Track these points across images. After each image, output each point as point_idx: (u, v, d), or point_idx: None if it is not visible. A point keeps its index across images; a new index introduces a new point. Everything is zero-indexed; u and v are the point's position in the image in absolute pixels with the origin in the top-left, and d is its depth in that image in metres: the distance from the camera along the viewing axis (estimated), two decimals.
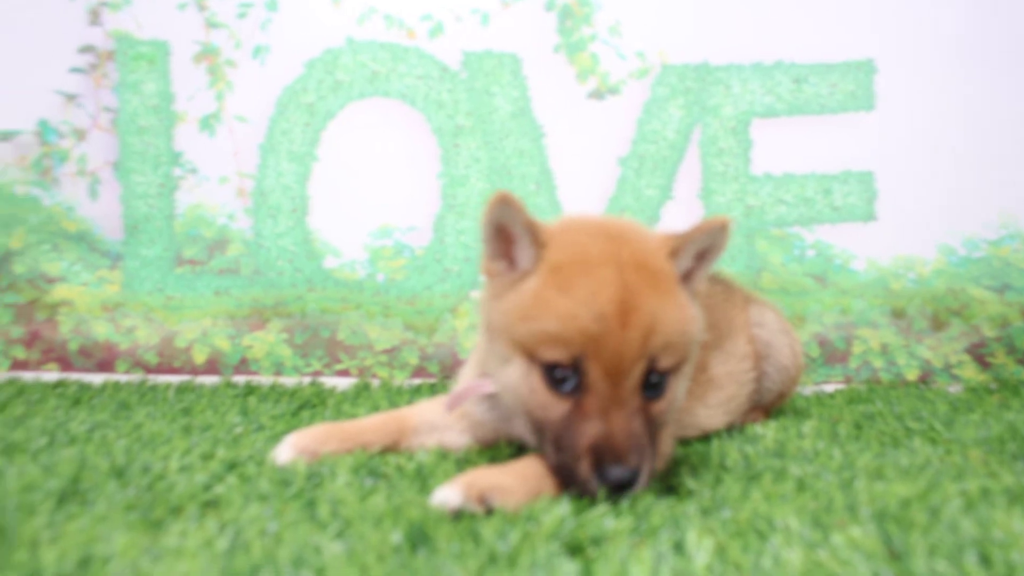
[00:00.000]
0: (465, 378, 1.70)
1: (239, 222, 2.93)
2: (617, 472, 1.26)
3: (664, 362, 1.35)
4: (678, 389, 1.42)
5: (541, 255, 1.39)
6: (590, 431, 1.29)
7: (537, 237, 1.39)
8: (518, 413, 1.46)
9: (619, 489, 1.26)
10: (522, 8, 2.92)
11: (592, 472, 1.27)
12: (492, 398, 1.64)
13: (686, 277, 1.46)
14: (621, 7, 2.92)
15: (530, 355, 1.36)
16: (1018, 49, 2.87)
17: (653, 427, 1.35)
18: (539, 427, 1.38)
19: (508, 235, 1.42)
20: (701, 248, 1.44)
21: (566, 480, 1.31)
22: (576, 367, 1.32)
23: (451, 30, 2.93)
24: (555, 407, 1.34)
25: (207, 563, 1.00)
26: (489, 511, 1.19)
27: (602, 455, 1.27)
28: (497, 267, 1.46)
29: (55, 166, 2.92)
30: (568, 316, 1.31)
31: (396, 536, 1.07)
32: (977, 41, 2.88)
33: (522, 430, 1.55)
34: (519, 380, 1.38)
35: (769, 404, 2.17)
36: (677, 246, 1.42)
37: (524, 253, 1.41)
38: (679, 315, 1.37)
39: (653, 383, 1.35)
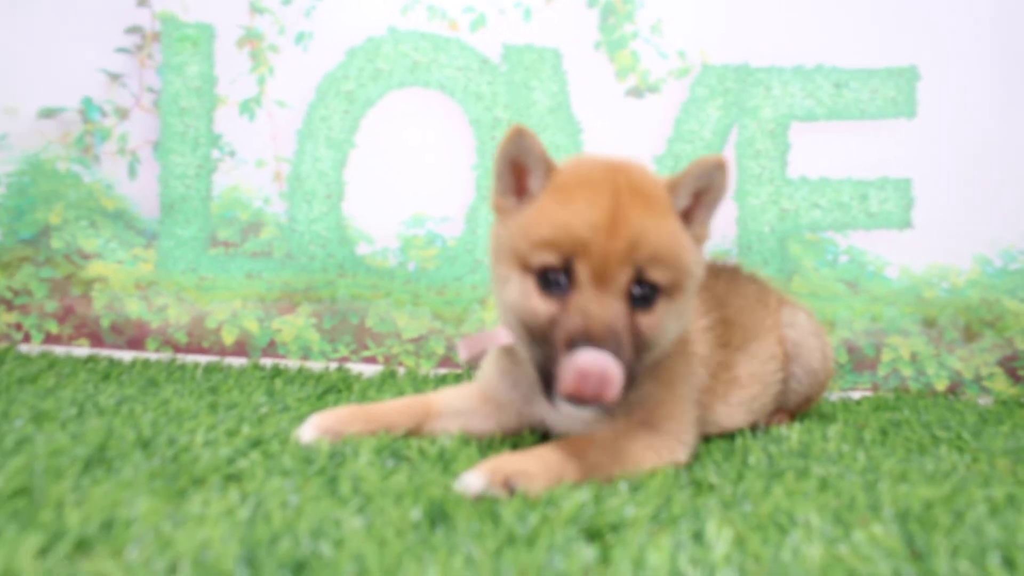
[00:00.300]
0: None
1: (274, 206, 2.95)
2: (587, 357, 1.29)
3: (653, 274, 1.41)
4: (671, 315, 1.46)
5: (548, 181, 1.47)
6: (570, 324, 1.35)
7: (549, 167, 1.47)
8: (516, 331, 1.49)
9: (590, 387, 1.29)
10: (564, 4, 2.92)
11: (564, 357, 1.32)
12: (514, 376, 1.67)
13: (686, 216, 1.52)
14: (663, 6, 2.90)
15: (525, 265, 1.43)
16: None
17: (640, 341, 1.41)
18: (530, 333, 1.43)
19: (522, 169, 1.49)
20: (698, 187, 1.51)
21: (545, 378, 1.38)
22: (566, 270, 1.39)
23: (493, 23, 2.93)
24: (544, 308, 1.41)
25: (228, 530, 1.02)
26: (511, 494, 1.20)
27: (575, 340, 1.32)
28: (508, 202, 1.52)
29: (96, 144, 2.95)
30: (561, 224, 1.40)
31: (416, 513, 1.08)
32: (1020, 50, 2.84)
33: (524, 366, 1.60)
34: (516, 292, 1.45)
35: (795, 407, 2.15)
36: (674, 181, 1.50)
37: (536, 184, 1.49)
38: (668, 234, 1.44)
39: (642, 295, 1.42)
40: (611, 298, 1.38)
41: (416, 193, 2.92)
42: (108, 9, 2.93)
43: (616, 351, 1.32)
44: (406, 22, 2.93)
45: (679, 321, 1.51)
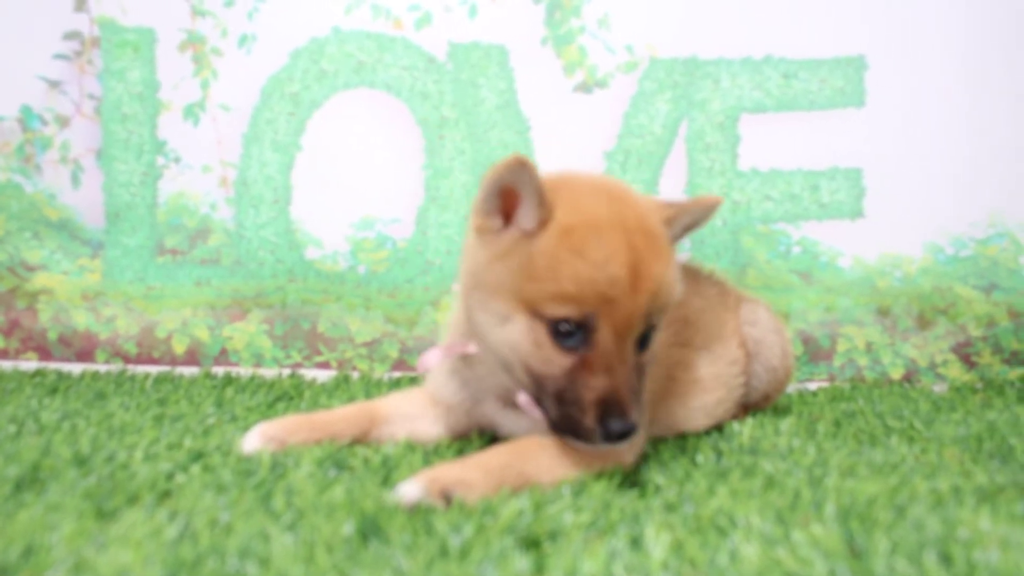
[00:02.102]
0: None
1: (221, 212, 2.91)
2: (619, 425, 1.32)
3: (656, 319, 1.45)
4: (657, 339, 1.51)
5: (548, 216, 1.41)
6: (597, 385, 1.35)
7: (544, 200, 1.40)
8: (516, 369, 1.46)
9: (619, 438, 1.33)
10: (510, 0, 2.89)
11: (597, 423, 1.34)
12: (464, 376, 1.66)
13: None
14: (610, 0, 2.89)
15: (534, 311, 1.39)
16: (1009, 48, 2.84)
17: (641, 376, 1.44)
18: (540, 381, 1.41)
19: (513, 195, 1.42)
20: (690, 221, 1.55)
21: (569, 430, 1.38)
22: (584, 324, 1.37)
23: (438, 21, 2.90)
24: (559, 360, 1.39)
25: (152, 552, 0.99)
26: (449, 504, 1.17)
27: (608, 409, 1.34)
28: (491, 224, 1.46)
29: (37, 153, 2.89)
30: (585, 279, 1.35)
31: (348, 527, 1.05)
32: (969, 40, 2.85)
33: (497, 390, 1.60)
34: (521, 336, 1.41)
35: (752, 404, 2.14)
36: (672, 216, 1.51)
37: (528, 214, 1.42)
38: (674, 279, 1.46)
39: (645, 336, 1.44)
40: (628, 353, 1.39)
41: (365, 195, 2.89)
42: (45, 15, 2.87)
43: (638, 404, 1.37)
44: (350, 22, 2.89)
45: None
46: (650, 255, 1.40)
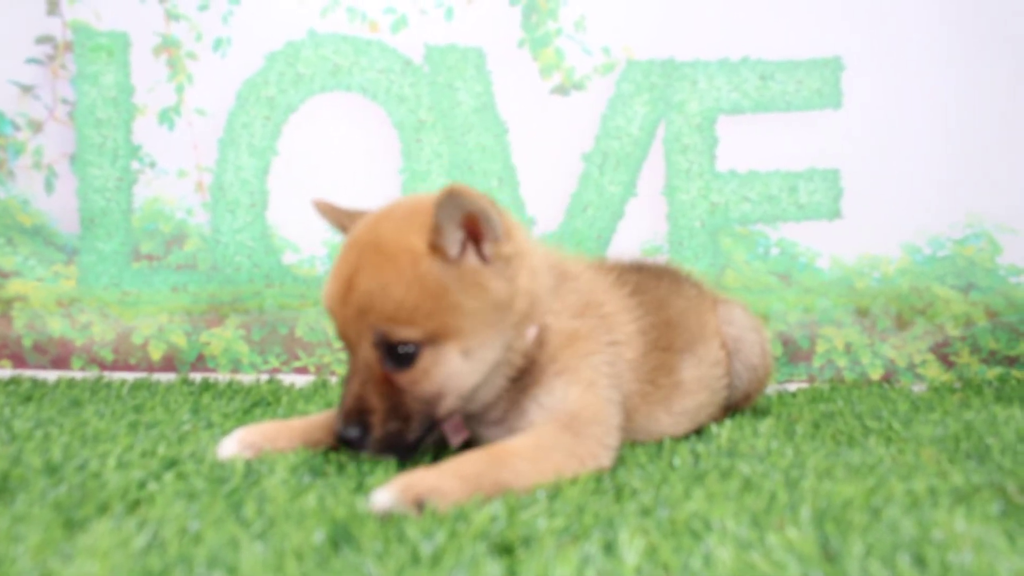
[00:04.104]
0: None
1: (197, 217, 2.89)
2: (340, 429, 1.42)
3: (401, 333, 1.40)
4: (444, 362, 1.44)
5: None
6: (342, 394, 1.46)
7: (344, 225, 1.60)
8: None
9: (350, 445, 1.43)
10: (486, 3, 2.88)
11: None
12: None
13: (470, 246, 1.45)
14: (587, 2, 2.88)
15: None
16: (986, 49, 2.85)
17: (409, 397, 1.44)
18: None
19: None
20: (457, 217, 1.41)
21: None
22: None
23: (415, 24, 2.89)
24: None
25: (119, 562, 0.97)
26: (421, 511, 1.16)
27: (338, 409, 1.44)
28: None
29: (10, 158, 2.87)
30: (323, 295, 1.50)
31: (319, 535, 1.04)
32: (945, 40, 2.86)
33: None
34: None
35: (734, 404, 2.13)
36: (432, 225, 1.41)
37: None
38: (404, 291, 1.40)
39: (401, 353, 1.42)
40: (361, 366, 1.44)
41: (341, 199, 2.83)
42: (16, 18, 2.85)
43: (366, 422, 1.42)
44: (326, 25, 2.88)
45: (471, 358, 1.46)
46: (369, 269, 1.41)
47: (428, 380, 1.43)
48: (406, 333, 1.40)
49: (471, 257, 1.45)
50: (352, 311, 1.42)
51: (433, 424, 1.48)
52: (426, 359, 1.42)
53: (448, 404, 1.47)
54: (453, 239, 1.42)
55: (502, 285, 1.47)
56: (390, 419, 1.42)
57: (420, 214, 1.46)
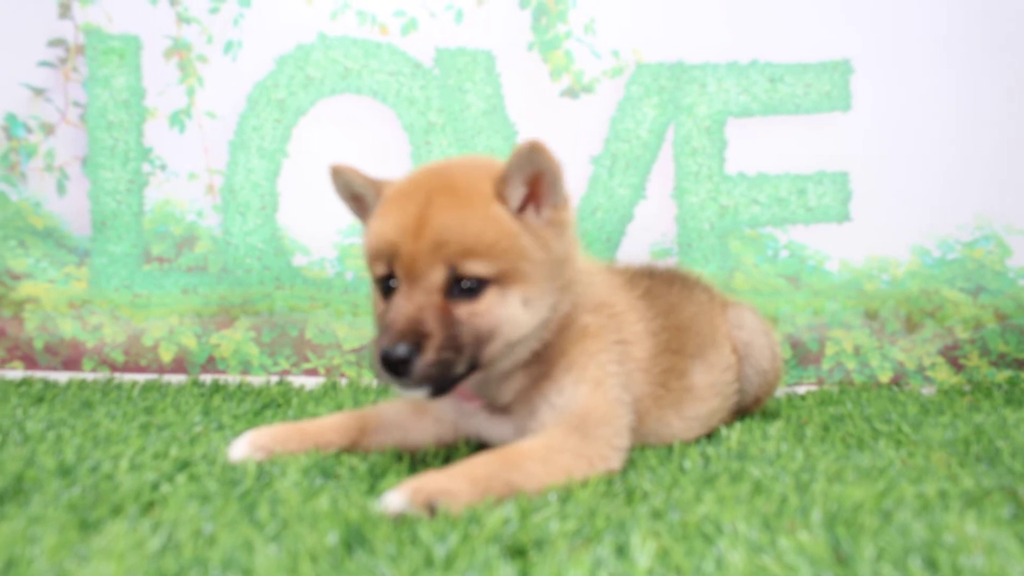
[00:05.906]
0: None
1: (208, 219, 2.90)
2: (386, 347, 1.39)
3: (471, 268, 1.45)
4: (508, 302, 1.49)
5: (377, 195, 1.60)
6: (385, 317, 1.46)
7: (377, 189, 1.61)
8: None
9: (392, 366, 1.39)
10: (496, 5, 2.89)
11: (376, 345, 1.42)
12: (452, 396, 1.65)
13: (528, 203, 1.54)
14: (596, 5, 2.89)
15: (373, 275, 1.55)
16: (994, 51, 2.85)
17: (465, 329, 1.45)
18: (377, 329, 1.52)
19: (360, 200, 1.66)
20: (527, 174, 1.51)
21: (372, 363, 1.45)
22: (390, 276, 1.50)
23: (424, 27, 2.90)
24: (379, 308, 1.53)
25: (134, 564, 0.98)
26: (433, 514, 1.17)
27: (382, 331, 1.43)
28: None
29: (22, 161, 2.88)
30: (379, 233, 1.50)
31: (332, 537, 1.04)
32: (954, 43, 2.86)
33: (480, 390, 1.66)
34: (372, 299, 1.59)
35: (744, 407, 2.14)
36: (501, 174, 1.51)
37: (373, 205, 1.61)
38: (482, 227, 1.47)
39: (465, 288, 1.46)
40: (422, 295, 1.44)
41: None
42: (29, 22, 2.86)
43: (418, 341, 1.39)
44: (336, 28, 2.89)
45: (528, 307, 1.51)
46: (444, 207, 1.46)
47: (489, 316, 1.47)
48: (479, 268, 1.45)
49: (531, 214, 1.54)
50: (427, 244, 1.44)
51: (473, 367, 1.48)
52: (491, 296, 1.47)
53: (496, 347, 1.49)
54: (517, 192, 1.52)
55: (559, 246, 1.56)
56: (445, 347, 1.42)
57: (485, 164, 1.57)
